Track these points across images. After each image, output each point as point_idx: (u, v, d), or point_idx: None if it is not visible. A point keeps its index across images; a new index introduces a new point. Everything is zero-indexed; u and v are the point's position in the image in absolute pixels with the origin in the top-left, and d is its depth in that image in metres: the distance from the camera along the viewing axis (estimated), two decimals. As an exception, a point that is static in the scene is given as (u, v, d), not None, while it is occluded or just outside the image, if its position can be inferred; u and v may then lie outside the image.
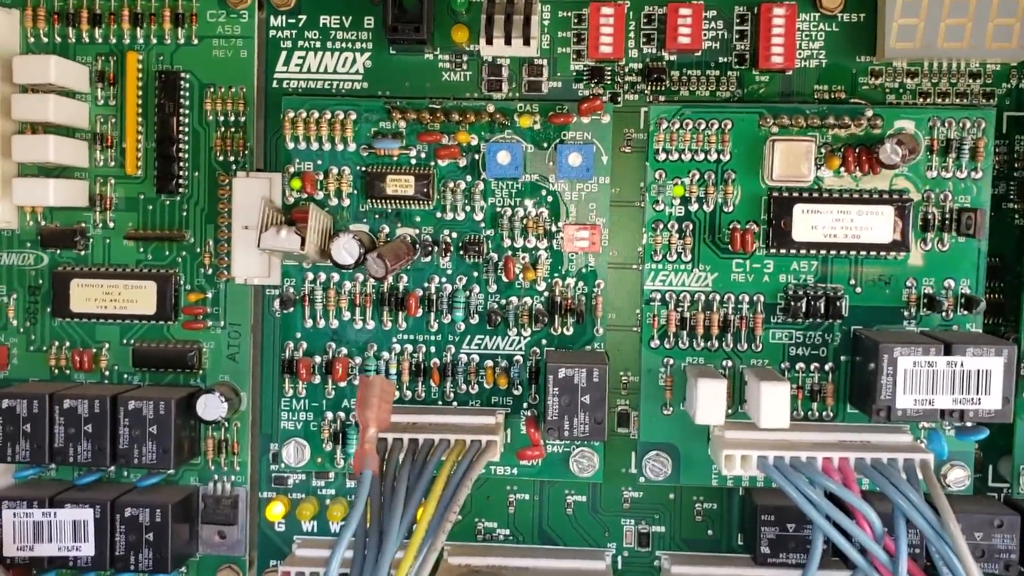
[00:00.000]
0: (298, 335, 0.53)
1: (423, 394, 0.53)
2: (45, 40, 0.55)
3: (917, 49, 0.52)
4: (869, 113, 0.51)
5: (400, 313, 0.53)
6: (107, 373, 0.56)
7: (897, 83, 0.53)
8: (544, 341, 0.53)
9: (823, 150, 0.51)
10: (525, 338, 0.53)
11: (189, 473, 0.56)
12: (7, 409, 0.52)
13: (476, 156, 0.52)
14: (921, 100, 0.53)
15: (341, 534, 0.44)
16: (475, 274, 0.52)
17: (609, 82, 0.54)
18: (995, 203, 0.53)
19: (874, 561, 0.46)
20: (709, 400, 0.48)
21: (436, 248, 0.52)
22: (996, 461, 0.54)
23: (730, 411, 0.52)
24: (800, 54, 0.53)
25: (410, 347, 0.53)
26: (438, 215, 0.52)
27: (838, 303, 0.51)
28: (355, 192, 0.52)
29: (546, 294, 0.52)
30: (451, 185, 0.52)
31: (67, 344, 0.56)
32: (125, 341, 0.55)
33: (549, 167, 0.52)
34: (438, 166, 0.52)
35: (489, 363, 0.53)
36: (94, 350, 0.55)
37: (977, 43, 0.51)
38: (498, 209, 0.52)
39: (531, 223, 0.52)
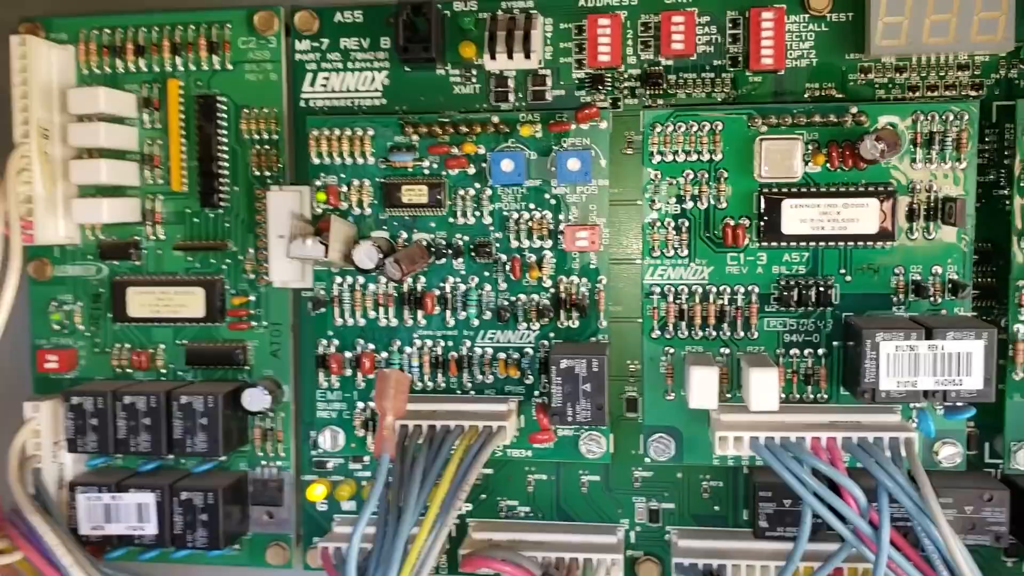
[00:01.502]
0: (330, 333, 0.58)
1: (443, 384, 0.58)
2: (97, 72, 0.61)
3: (903, 46, 0.53)
4: (854, 110, 0.53)
5: (419, 311, 0.57)
6: (163, 371, 0.62)
7: (886, 78, 0.55)
8: (552, 334, 0.57)
9: (810, 147, 0.54)
10: (534, 331, 0.57)
11: (239, 459, 0.62)
12: (76, 405, 0.58)
13: (483, 165, 0.56)
14: (910, 94, 0.55)
15: (361, 512, 0.49)
16: (486, 273, 0.57)
17: (609, 88, 0.57)
18: (986, 190, 0.55)
19: (859, 533, 0.49)
20: (701, 386, 0.52)
21: (450, 251, 0.57)
22: (992, 439, 0.56)
23: (729, 395, 0.55)
24: (791, 54, 0.56)
25: (429, 342, 0.57)
26: (450, 220, 0.57)
27: (828, 292, 0.54)
28: (375, 202, 0.57)
29: (552, 290, 0.56)
30: (461, 192, 0.56)
31: (127, 346, 0.62)
32: (178, 342, 0.61)
33: (550, 172, 0.56)
34: (448, 175, 0.56)
35: (502, 355, 0.57)
36: (151, 351, 0.62)
37: (962, 37, 0.53)
38: (505, 213, 0.56)
39: (535, 225, 0.56)
